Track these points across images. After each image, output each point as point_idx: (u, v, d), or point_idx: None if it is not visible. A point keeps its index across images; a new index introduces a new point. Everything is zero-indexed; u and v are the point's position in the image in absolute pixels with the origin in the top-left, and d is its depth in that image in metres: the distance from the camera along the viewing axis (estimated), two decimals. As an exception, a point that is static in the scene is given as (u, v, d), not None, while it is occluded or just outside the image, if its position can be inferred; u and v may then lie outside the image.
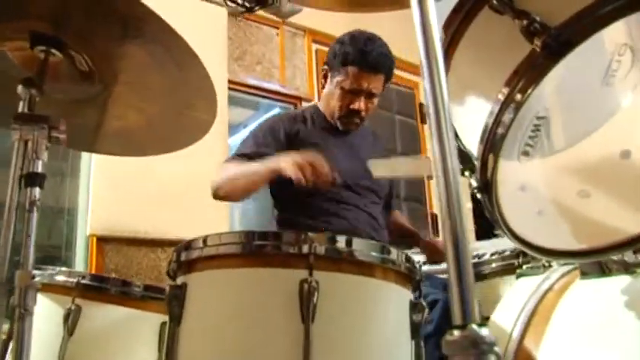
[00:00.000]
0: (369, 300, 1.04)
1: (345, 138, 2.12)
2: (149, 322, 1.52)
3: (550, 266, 1.35)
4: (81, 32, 1.20)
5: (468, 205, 1.57)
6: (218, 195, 1.91)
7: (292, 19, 4.07)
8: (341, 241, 1.03)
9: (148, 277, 3.22)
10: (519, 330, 1.16)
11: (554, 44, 0.71)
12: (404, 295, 1.10)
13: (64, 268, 1.59)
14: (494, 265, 1.83)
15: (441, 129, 0.59)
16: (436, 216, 4.73)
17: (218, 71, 3.72)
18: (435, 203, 4.84)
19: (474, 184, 0.85)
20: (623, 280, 1.11)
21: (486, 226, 0.95)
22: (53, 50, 1.21)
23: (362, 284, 1.04)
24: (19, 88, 1.15)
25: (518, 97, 0.75)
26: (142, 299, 1.55)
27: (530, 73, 0.74)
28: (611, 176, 0.94)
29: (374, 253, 1.06)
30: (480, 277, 1.84)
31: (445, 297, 1.85)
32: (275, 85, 4.21)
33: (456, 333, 0.55)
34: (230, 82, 3.84)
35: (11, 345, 1.31)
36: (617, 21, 0.72)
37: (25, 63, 1.25)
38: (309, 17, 4.07)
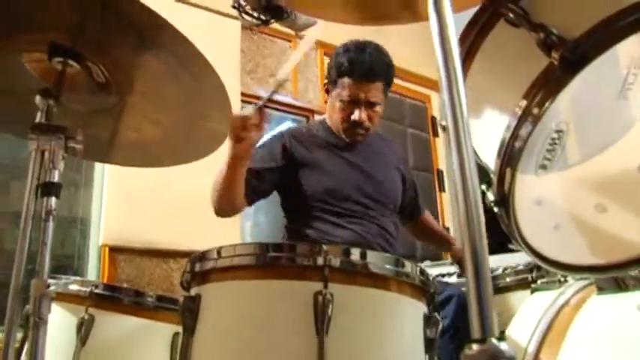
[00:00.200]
0: (383, 313, 1.04)
1: (353, 151, 2.11)
2: (161, 332, 1.52)
3: (566, 281, 1.34)
4: (98, 43, 1.21)
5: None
6: (216, 212, 1.90)
7: (305, 33, 4.08)
8: (355, 254, 1.03)
9: (159, 287, 3.23)
10: (535, 345, 1.15)
11: (572, 57, 0.71)
12: (418, 308, 1.09)
13: (77, 278, 1.59)
14: (508, 279, 1.82)
15: (460, 143, 0.59)
16: (448, 229, 4.70)
17: (231, 84, 3.74)
18: (447, 216, 4.82)
19: (491, 197, 0.85)
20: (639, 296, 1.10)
21: (497, 240, 0.95)
22: (70, 61, 1.22)
23: (376, 297, 1.04)
24: (37, 99, 1.16)
25: (536, 110, 0.74)
26: (155, 310, 1.55)
27: (547, 87, 0.74)
28: (629, 190, 0.94)
29: (388, 266, 1.05)
30: (495, 291, 1.82)
31: (460, 292, 1.84)
32: (287, 98, 4.22)
33: (475, 347, 0.54)
34: (243, 94, 3.86)
35: (24, 353, 1.32)
36: (634, 34, 0.72)
37: (42, 74, 1.26)
38: (322, 31, 4.08)
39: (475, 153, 0.90)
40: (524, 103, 0.76)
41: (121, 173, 3.09)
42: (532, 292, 1.40)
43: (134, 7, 1.09)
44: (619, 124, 0.89)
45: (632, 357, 1.04)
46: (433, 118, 5.03)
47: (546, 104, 0.74)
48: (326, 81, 2.11)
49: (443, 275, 2.56)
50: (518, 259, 1.91)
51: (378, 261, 1.05)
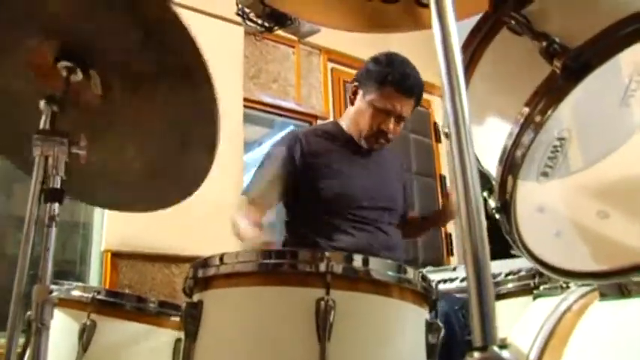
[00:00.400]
0: (385, 319, 1.04)
1: (366, 157, 2.12)
2: (163, 338, 1.52)
3: (568, 287, 1.34)
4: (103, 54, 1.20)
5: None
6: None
7: (308, 39, 4.10)
8: (357, 260, 1.03)
9: (161, 292, 3.23)
10: (537, 352, 1.15)
11: (574, 66, 0.71)
12: (420, 314, 1.10)
13: (80, 284, 1.60)
14: (510, 285, 1.81)
15: (463, 150, 0.59)
16: (450, 235, 4.70)
17: (234, 89, 3.75)
18: (450, 222, 4.81)
19: (492, 204, 0.85)
20: (642, 303, 1.10)
21: (500, 246, 0.95)
22: (76, 68, 1.21)
23: (378, 303, 1.04)
24: (41, 105, 1.16)
25: (538, 118, 0.75)
26: (157, 315, 1.55)
27: (550, 95, 0.74)
28: (631, 196, 0.94)
29: (390, 273, 1.06)
30: (496, 297, 1.82)
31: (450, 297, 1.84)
32: (290, 104, 4.23)
33: (476, 355, 0.55)
34: (246, 100, 3.87)
35: (26, 359, 1.32)
36: (637, 43, 0.72)
37: (46, 80, 1.26)
38: (324, 36, 4.09)
39: (477, 160, 0.91)
40: (526, 110, 0.76)
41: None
42: (534, 298, 1.40)
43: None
44: (621, 131, 0.89)
45: (634, 364, 1.03)
46: (435, 124, 5.04)
47: (548, 112, 0.74)
48: (356, 84, 2.11)
49: (445, 281, 2.56)
50: (520, 264, 1.91)
51: (380, 267, 1.05)
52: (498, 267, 2.00)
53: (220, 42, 3.62)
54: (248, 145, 4.21)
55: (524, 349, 1.18)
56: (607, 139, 0.90)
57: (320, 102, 4.43)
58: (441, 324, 1.10)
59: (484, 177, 0.88)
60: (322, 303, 0.97)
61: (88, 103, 1.25)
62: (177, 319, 1.48)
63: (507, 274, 1.90)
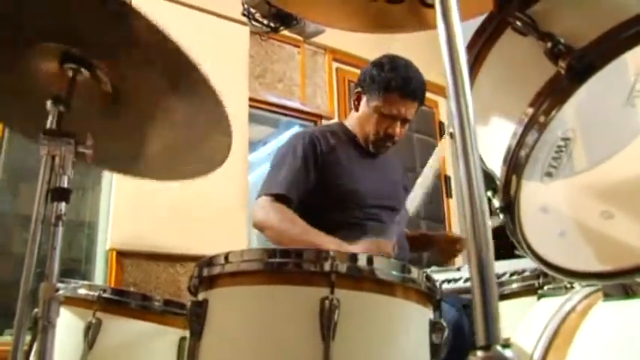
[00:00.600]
0: (389, 319, 1.04)
1: (370, 158, 2.15)
2: (168, 336, 1.52)
3: (572, 287, 1.34)
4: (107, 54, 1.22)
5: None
6: (261, 230, 1.93)
7: (313, 39, 4.11)
8: (362, 260, 1.04)
9: (166, 291, 3.24)
10: (541, 352, 1.15)
11: (578, 66, 0.71)
12: (424, 314, 1.10)
13: (86, 282, 1.60)
14: (514, 285, 1.81)
15: (467, 150, 0.59)
16: (455, 235, 4.69)
17: (239, 89, 3.76)
18: (454, 222, 4.81)
19: (496, 204, 0.85)
20: (646, 303, 1.10)
21: (505, 246, 0.95)
22: (82, 69, 1.22)
23: (383, 303, 1.04)
24: (48, 105, 1.17)
25: (542, 118, 0.75)
26: (162, 314, 1.55)
27: (554, 95, 0.74)
28: (635, 197, 0.94)
29: (395, 272, 1.06)
30: (501, 297, 1.82)
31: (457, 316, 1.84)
32: (295, 103, 4.23)
33: (480, 354, 0.55)
34: (251, 99, 3.88)
35: (32, 356, 1.33)
36: (642, 44, 0.72)
37: (53, 80, 1.27)
38: (329, 36, 4.10)
39: (481, 160, 0.91)
40: (530, 110, 0.76)
41: (129, 177, 3.11)
42: (539, 298, 1.40)
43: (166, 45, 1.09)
44: (626, 131, 0.89)
45: (638, 364, 1.03)
46: (441, 124, 5.03)
47: (553, 112, 0.74)
48: (359, 90, 2.13)
49: (449, 281, 2.55)
50: (524, 264, 1.91)
51: (384, 267, 1.05)
52: (502, 267, 2.00)
53: (226, 42, 3.63)
54: (253, 145, 4.21)
55: (528, 349, 1.18)
56: (611, 140, 0.90)
57: (325, 102, 4.43)
58: (444, 324, 1.10)
59: (488, 177, 0.89)
60: (326, 302, 0.97)
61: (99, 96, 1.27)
62: (183, 317, 1.49)
63: (512, 274, 1.90)
